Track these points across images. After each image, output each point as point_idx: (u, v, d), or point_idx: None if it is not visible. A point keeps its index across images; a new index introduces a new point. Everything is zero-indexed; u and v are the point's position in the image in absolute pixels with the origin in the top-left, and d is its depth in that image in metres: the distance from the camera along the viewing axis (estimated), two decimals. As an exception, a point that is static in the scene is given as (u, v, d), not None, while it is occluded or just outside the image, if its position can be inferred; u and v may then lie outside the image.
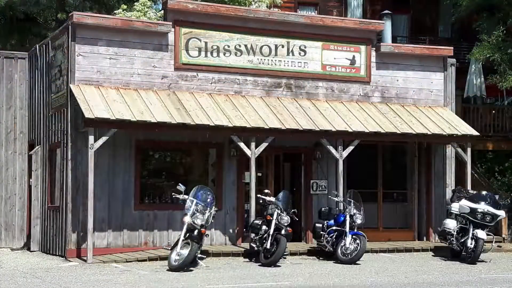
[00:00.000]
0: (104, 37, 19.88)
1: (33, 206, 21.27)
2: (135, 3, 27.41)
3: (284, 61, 21.58)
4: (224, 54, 20.99)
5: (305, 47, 21.73)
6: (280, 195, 19.16)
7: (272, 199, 19.02)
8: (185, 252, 16.95)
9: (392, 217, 23.00)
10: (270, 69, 21.45)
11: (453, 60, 23.78)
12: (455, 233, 20.04)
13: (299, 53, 21.70)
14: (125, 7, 27.33)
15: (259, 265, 18.16)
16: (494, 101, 30.22)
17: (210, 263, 18.11)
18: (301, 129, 20.48)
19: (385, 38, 27.10)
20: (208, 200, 17.83)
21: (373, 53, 22.50)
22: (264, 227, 18.62)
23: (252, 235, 19.13)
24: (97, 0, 32.28)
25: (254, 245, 18.85)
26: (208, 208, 17.70)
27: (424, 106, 22.95)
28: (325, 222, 19.76)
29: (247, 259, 19.23)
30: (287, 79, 21.65)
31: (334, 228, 19.43)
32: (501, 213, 20.12)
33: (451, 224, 20.25)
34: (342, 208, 19.89)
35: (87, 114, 18.43)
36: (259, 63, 21.33)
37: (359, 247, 18.80)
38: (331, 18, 23.20)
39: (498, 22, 26.87)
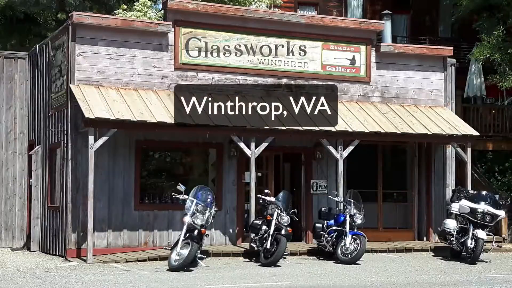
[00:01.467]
0: (104, 37, 19.88)
1: (33, 206, 21.26)
2: (135, 3, 27.41)
3: (284, 61, 21.57)
4: (224, 54, 20.98)
5: (305, 47, 21.73)
6: (280, 195, 19.16)
7: (272, 199, 19.01)
8: (185, 252, 16.94)
9: (392, 217, 22.99)
10: (270, 69, 21.44)
11: (453, 60, 23.77)
12: (455, 233, 20.03)
13: (299, 53, 21.69)
14: (125, 7, 27.35)
15: (259, 265, 18.16)
16: (494, 101, 30.18)
17: (210, 263, 18.10)
18: (301, 129, 20.48)
19: (385, 38, 27.09)
20: (208, 200, 17.82)
21: (373, 53, 22.49)
22: (264, 227, 18.62)
23: (252, 235, 19.13)
24: (97, 0, 32.28)
25: (254, 245, 18.85)
26: (208, 208, 17.68)
27: (424, 106, 22.94)
28: (325, 222, 19.75)
29: (247, 259, 19.23)
30: (287, 79, 21.63)
31: (334, 228, 19.42)
32: (501, 213, 20.12)
33: (451, 224, 20.25)
34: (342, 208, 19.88)
35: (87, 114, 18.43)
36: (259, 63, 21.32)
37: (359, 247, 18.79)
38: (331, 18, 23.20)
39: (498, 22, 26.87)
